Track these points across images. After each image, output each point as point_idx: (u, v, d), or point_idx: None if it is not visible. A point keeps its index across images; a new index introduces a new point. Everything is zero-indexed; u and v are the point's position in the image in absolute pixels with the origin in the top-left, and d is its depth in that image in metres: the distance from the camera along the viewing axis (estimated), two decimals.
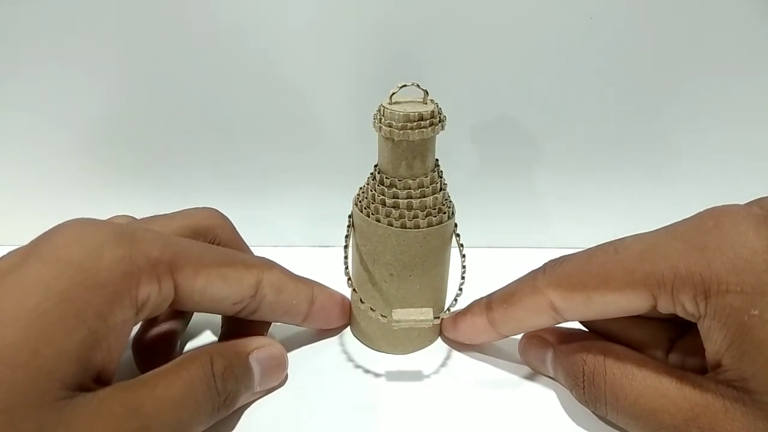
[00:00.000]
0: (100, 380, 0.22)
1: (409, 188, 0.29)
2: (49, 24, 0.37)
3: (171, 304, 0.26)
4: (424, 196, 0.30)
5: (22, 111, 0.40)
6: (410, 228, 0.30)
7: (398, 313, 0.29)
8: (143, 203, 0.36)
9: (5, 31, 0.38)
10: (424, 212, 0.30)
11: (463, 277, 0.31)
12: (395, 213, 0.30)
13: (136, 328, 0.32)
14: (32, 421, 0.19)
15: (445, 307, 0.32)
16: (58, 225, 0.24)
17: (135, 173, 0.43)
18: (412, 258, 0.30)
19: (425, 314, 0.29)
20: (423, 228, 0.30)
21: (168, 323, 0.31)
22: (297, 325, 0.33)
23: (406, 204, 0.29)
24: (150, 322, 0.31)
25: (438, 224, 0.30)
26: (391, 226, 0.30)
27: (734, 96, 0.40)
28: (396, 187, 0.29)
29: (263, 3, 0.37)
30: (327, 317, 0.33)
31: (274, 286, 0.29)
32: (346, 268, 0.32)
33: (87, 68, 0.39)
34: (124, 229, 0.24)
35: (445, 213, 0.31)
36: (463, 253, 0.32)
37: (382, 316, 0.30)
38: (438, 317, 0.29)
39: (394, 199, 0.30)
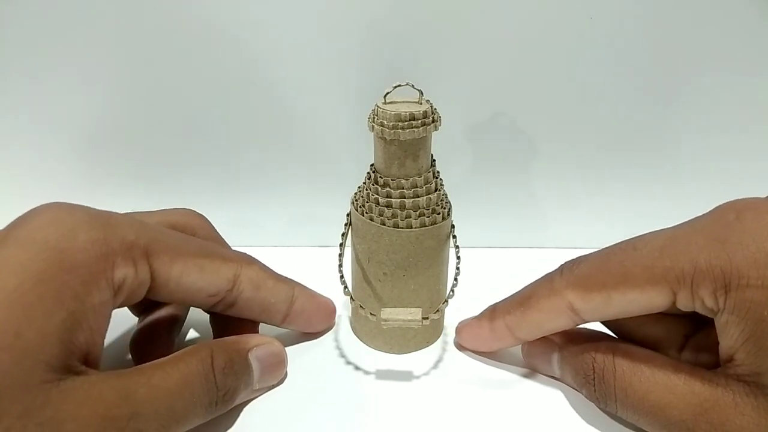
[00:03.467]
0: (87, 363, 0.22)
1: (402, 188, 0.29)
2: (45, 26, 0.38)
3: (148, 292, 0.26)
4: (418, 197, 0.30)
5: (16, 112, 0.41)
6: (403, 228, 0.30)
7: (386, 312, 0.29)
8: (135, 204, 0.35)
9: (3, 32, 0.38)
10: (417, 212, 0.30)
11: (456, 279, 0.31)
12: (388, 212, 0.30)
13: (132, 326, 0.33)
14: (19, 403, 0.20)
15: (438, 309, 0.32)
16: (34, 209, 0.24)
17: (130, 174, 0.43)
18: (406, 258, 0.30)
19: (414, 314, 0.29)
20: (416, 228, 0.30)
21: (164, 321, 0.31)
22: (277, 326, 0.32)
23: (399, 204, 0.30)
24: (146, 320, 0.31)
25: (432, 225, 0.30)
26: (384, 225, 0.30)
27: (736, 95, 0.39)
28: (389, 187, 0.29)
29: (258, 3, 0.37)
30: (307, 320, 0.33)
31: (252, 282, 0.29)
32: (340, 265, 0.32)
33: (82, 70, 0.39)
34: (99, 212, 0.25)
35: (439, 214, 0.30)
36: (459, 255, 0.32)
37: (371, 314, 0.30)
38: (426, 317, 0.29)
39: (387, 199, 0.30)
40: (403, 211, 0.30)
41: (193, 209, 0.32)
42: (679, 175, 0.42)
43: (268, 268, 0.31)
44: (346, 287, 0.32)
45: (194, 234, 0.31)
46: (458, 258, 0.31)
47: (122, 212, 0.30)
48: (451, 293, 0.31)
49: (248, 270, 0.29)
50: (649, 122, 0.41)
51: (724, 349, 0.24)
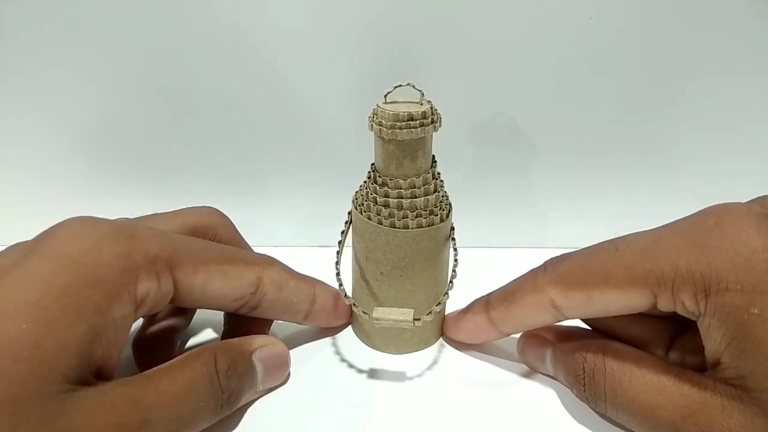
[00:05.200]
0: (101, 376, 0.23)
1: (400, 188, 0.29)
2: (47, 25, 0.38)
3: (171, 301, 0.26)
4: (415, 197, 0.29)
5: (20, 112, 0.41)
6: (399, 228, 0.30)
7: (379, 311, 0.29)
8: (141, 204, 0.35)
9: (4, 32, 0.38)
10: (414, 213, 0.30)
11: (451, 282, 0.31)
12: (385, 212, 0.30)
13: (136, 326, 0.33)
14: (34, 413, 0.20)
15: (430, 312, 0.31)
16: (59, 223, 0.24)
17: (132, 174, 0.43)
18: (402, 258, 0.30)
19: (405, 315, 0.29)
20: (412, 229, 0.30)
21: (168, 323, 0.31)
22: (298, 323, 0.33)
23: (396, 203, 0.30)
24: (150, 322, 0.31)
25: (429, 226, 0.30)
26: (381, 224, 0.30)
27: (734, 96, 0.39)
28: (387, 186, 0.30)
29: (261, 3, 0.37)
30: (328, 316, 0.33)
31: (275, 284, 0.29)
32: (337, 263, 0.32)
33: (85, 69, 0.39)
34: (123, 226, 0.25)
35: (437, 215, 0.30)
36: (456, 257, 0.31)
37: (363, 312, 0.30)
38: (418, 319, 0.29)
39: (385, 198, 0.30)
40: (400, 211, 0.30)
41: (214, 207, 0.32)
42: (680, 175, 0.42)
43: (288, 267, 0.31)
44: (341, 285, 0.32)
45: (215, 234, 0.31)
46: (455, 261, 0.31)
47: (142, 214, 0.30)
48: (445, 296, 0.30)
49: (270, 272, 0.29)
50: (650, 123, 0.41)
51: (709, 353, 0.24)
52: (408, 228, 0.30)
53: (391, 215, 0.30)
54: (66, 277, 0.22)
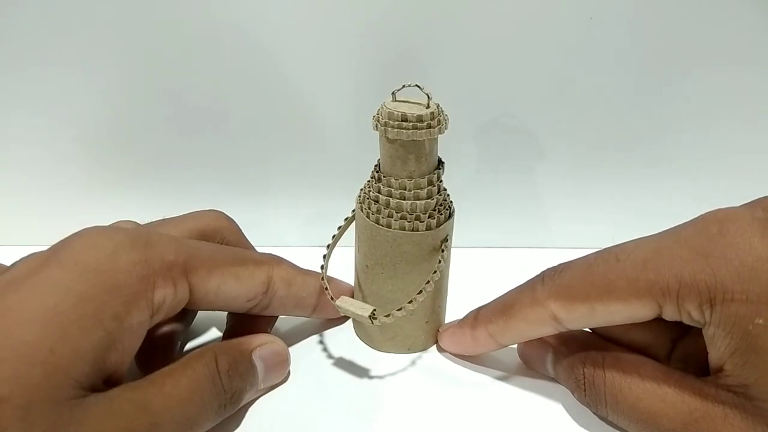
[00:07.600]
0: (110, 381, 0.23)
1: (390, 186, 0.29)
2: (50, 25, 0.37)
3: (187, 305, 0.26)
4: (403, 199, 0.29)
5: (23, 112, 0.40)
6: (382, 225, 0.30)
7: (342, 300, 0.30)
8: (143, 204, 0.36)
9: (5, 31, 0.37)
10: (399, 215, 0.29)
11: (420, 291, 0.29)
12: (374, 207, 0.30)
13: None
14: (46, 418, 0.20)
15: (390, 314, 0.30)
16: (76, 232, 0.24)
17: (135, 175, 0.43)
18: (383, 256, 0.30)
19: (364, 310, 0.29)
20: (393, 229, 0.30)
21: (169, 325, 0.31)
22: (306, 317, 0.33)
23: (384, 201, 0.30)
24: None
25: (412, 231, 0.29)
26: (368, 218, 0.30)
27: (734, 95, 0.39)
28: (381, 183, 0.30)
29: (264, 3, 0.37)
30: (334, 308, 0.33)
31: (284, 281, 0.30)
32: (328, 246, 0.32)
33: (88, 69, 0.39)
34: (139, 233, 0.25)
35: (422, 222, 0.30)
36: (437, 269, 0.30)
37: (331, 298, 0.30)
38: (376, 318, 0.29)
39: (377, 194, 0.30)
40: (386, 209, 0.30)
41: (220, 210, 0.33)
42: (682, 175, 0.42)
43: (294, 264, 0.32)
44: (323, 267, 0.32)
45: (223, 237, 0.32)
46: (435, 271, 0.30)
47: (147, 217, 0.30)
48: (410, 303, 0.29)
49: (279, 269, 0.30)
50: (651, 123, 0.41)
51: (713, 360, 0.24)
52: (390, 228, 0.30)
53: (378, 211, 0.30)
54: (84, 284, 0.22)
